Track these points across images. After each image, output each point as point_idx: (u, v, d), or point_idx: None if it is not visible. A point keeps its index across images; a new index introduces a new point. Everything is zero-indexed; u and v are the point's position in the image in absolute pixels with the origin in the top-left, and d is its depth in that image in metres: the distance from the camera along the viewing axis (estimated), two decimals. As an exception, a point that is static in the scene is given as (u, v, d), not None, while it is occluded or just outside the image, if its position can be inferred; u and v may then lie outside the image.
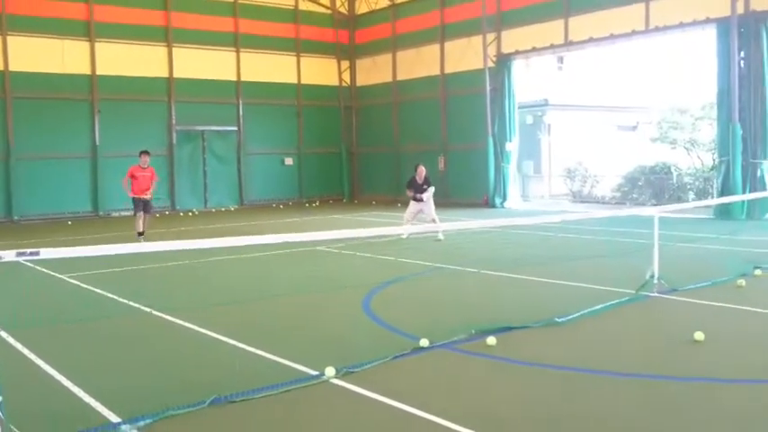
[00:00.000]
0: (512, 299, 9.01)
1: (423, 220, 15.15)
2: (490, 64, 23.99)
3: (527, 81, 27.17)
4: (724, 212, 17.81)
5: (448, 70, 26.15)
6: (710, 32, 18.74)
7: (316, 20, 28.90)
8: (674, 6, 19.28)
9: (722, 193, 17.99)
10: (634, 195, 25.36)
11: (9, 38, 21.98)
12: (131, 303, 8.91)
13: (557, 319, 7.41)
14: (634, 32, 20.33)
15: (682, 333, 6.81)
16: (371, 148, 29.50)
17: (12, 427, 4.51)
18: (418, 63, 27.22)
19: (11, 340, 7.01)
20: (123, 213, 22.11)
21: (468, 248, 13.80)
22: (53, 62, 22.72)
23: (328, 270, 11.67)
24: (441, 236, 14.77)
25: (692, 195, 24.08)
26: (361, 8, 29.49)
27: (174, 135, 25.23)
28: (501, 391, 5.47)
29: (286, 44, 28.04)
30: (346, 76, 29.95)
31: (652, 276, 8.80)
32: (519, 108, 24.74)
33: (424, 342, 6.55)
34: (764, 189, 17.32)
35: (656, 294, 8.60)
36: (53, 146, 22.66)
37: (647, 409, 4.93)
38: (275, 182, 27.81)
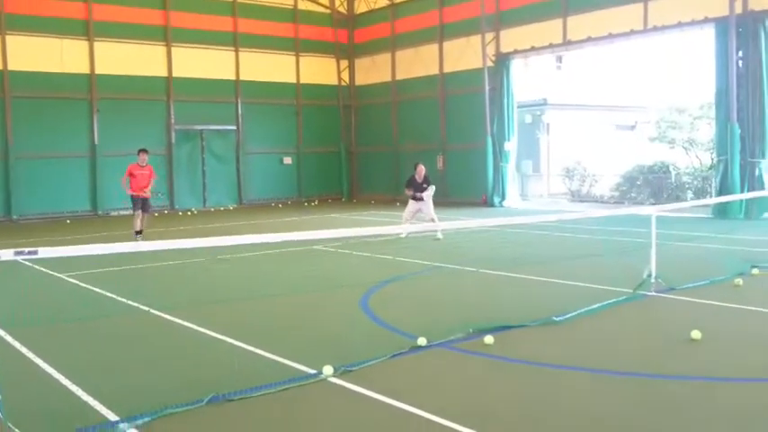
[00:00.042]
0: (510, 298, 9.02)
1: (422, 219, 15.16)
2: (489, 63, 24.00)
3: (526, 80, 27.20)
4: (722, 212, 17.83)
5: (447, 70, 26.17)
6: (709, 32, 18.76)
7: (315, 19, 28.91)
8: (672, 6, 19.29)
9: (720, 193, 18.01)
10: (632, 195, 25.39)
11: (8, 37, 21.97)
12: (130, 302, 8.92)
13: (554, 318, 7.42)
14: (632, 32, 20.35)
15: (679, 332, 6.83)
16: (370, 148, 29.51)
17: (10, 425, 4.52)
18: (417, 62, 27.23)
19: (9, 339, 7.02)
20: (122, 212, 22.13)
21: (467, 247, 13.82)
22: (52, 61, 22.71)
23: (326, 269, 11.68)
24: (439, 235, 14.79)
25: (690, 195, 24.12)
26: (360, 8, 29.50)
27: (173, 134, 25.23)
28: (498, 389, 5.48)
29: (285, 43, 28.04)
30: (345, 76, 29.96)
31: (650, 275, 8.82)
32: (518, 107, 24.75)
33: (422, 341, 6.56)
34: (762, 188, 17.34)
35: (654, 293, 8.61)
36: (52, 145, 22.66)
37: (644, 407, 4.94)
38: (274, 181, 27.82)
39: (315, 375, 5.69)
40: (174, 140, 25.22)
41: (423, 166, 15.44)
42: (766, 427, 4.67)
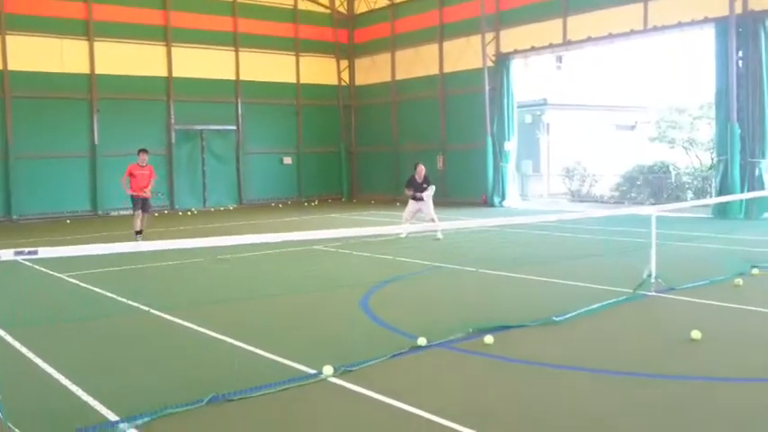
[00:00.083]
0: (509, 298, 9.02)
1: (421, 219, 15.16)
2: (489, 63, 24.00)
3: (526, 80, 27.20)
4: (722, 212, 17.84)
5: (447, 70, 26.17)
6: (709, 32, 18.76)
7: (315, 19, 28.91)
8: (672, 6, 19.30)
9: (720, 193, 18.01)
10: (632, 195, 25.39)
11: (8, 37, 21.97)
12: (130, 302, 8.92)
13: (554, 318, 7.42)
14: (632, 32, 20.35)
15: (679, 332, 6.83)
16: (370, 148, 29.52)
17: (10, 425, 4.53)
18: (417, 62, 27.23)
19: (9, 339, 7.03)
20: (122, 212, 22.13)
21: (467, 247, 13.82)
22: (52, 61, 22.71)
23: (326, 269, 11.68)
24: (439, 235, 14.79)
25: (690, 195, 24.12)
26: (360, 8, 29.50)
27: (173, 134, 25.23)
28: (498, 389, 5.48)
29: (285, 43, 28.05)
30: (345, 76, 29.96)
31: (649, 275, 8.82)
32: (518, 107, 24.75)
33: (422, 341, 6.57)
34: (762, 188, 17.34)
35: (654, 293, 8.62)
36: (52, 145, 22.66)
37: (644, 407, 4.94)
38: (274, 181, 27.83)
39: (315, 375, 5.69)
40: (174, 140, 25.23)
41: (423, 166, 15.44)
42: (766, 427, 4.67)
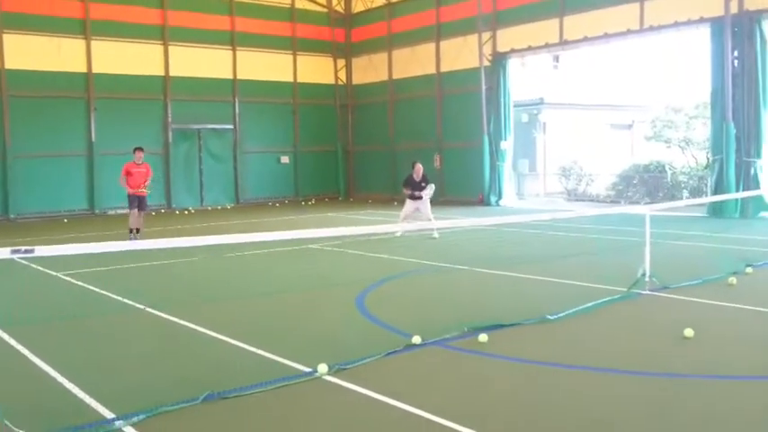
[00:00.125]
0: (504, 296, 9.06)
1: (419, 218, 15.17)
2: (486, 63, 24.03)
3: (522, 80, 27.20)
4: (717, 211, 17.90)
5: (444, 69, 26.19)
6: (704, 32, 18.82)
7: (312, 18, 28.92)
8: (668, 6, 19.35)
9: (716, 192, 18.08)
10: (629, 194, 25.44)
11: (5, 35, 21.95)
12: (125, 301, 8.94)
13: (548, 317, 7.46)
14: (629, 32, 20.39)
15: (673, 330, 6.87)
16: (367, 147, 29.54)
17: (6, 422, 4.55)
18: (414, 62, 27.25)
19: (6, 337, 7.05)
20: (119, 211, 22.11)
21: (463, 246, 13.85)
22: (49, 60, 22.69)
23: (322, 268, 11.71)
24: (436, 234, 14.82)
25: (686, 194, 24.18)
26: (358, 7, 29.51)
27: (170, 133, 25.22)
28: (491, 387, 5.51)
29: (282, 42, 28.05)
30: (342, 75, 29.97)
31: (644, 274, 8.87)
32: (514, 106, 24.77)
33: (417, 339, 6.60)
34: (758, 187, 17.42)
35: (648, 292, 8.66)
36: (49, 144, 22.65)
37: (638, 405, 4.98)
38: (271, 180, 27.84)
39: (310, 374, 5.72)
40: (171, 139, 25.22)
41: (420, 165, 15.46)
42: (760, 425, 4.71)
